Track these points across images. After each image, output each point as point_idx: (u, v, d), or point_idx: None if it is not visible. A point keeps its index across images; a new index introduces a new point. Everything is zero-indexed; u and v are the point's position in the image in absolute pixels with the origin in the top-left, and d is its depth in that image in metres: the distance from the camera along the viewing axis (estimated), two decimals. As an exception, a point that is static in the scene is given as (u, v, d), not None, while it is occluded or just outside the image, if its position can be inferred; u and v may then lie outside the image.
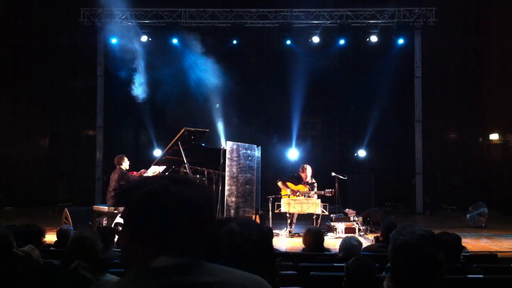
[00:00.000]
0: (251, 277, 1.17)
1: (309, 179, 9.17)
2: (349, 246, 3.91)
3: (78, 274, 2.69)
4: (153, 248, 1.13)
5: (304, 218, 9.24)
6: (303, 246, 4.91)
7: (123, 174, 8.09)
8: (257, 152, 9.36)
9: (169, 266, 1.11)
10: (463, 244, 3.94)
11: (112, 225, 7.85)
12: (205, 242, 1.18)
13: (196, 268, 1.13)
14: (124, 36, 14.14)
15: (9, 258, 2.06)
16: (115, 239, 4.69)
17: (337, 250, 4.26)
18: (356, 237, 4.28)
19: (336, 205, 9.41)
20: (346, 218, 9.02)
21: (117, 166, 8.26)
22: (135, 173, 8.82)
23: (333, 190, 9.04)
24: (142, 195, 1.16)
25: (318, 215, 8.70)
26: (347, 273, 2.71)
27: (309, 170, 9.15)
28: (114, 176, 8.14)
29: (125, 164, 8.26)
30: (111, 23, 14.09)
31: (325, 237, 7.59)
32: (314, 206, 8.49)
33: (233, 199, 8.76)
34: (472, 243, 7.57)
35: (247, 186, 8.90)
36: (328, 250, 5.06)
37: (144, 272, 1.12)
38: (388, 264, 1.80)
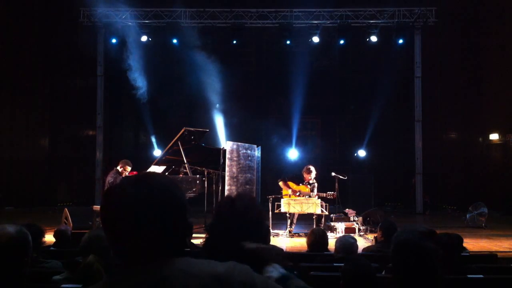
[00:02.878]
0: (218, 269, 1.11)
1: (311, 180, 9.16)
2: (348, 245, 3.89)
3: (93, 268, 2.71)
4: (129, 251, 1.12)
5: (304, 218, 9.23)
6: (303, 246, 4.89)
7: (115, 178, 8.09)
8: (257, 152, 9.36)
9: (133, 271, 1.09)
10: (463, 245, 3.93)
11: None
12: (178, 239, 1.14)
13: (161, 267, 1.09)
14: (124, 36, 14.14)
15: (21, 262, 2.05)
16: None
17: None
18: (351, 235, 4.27)
19: (336, 205, 9.41)
20: (346, 218, 9.02)
21: (115, 168, 8.31)
22: (135, 173, 8.83)
23: (334, 193, 9.02)
24: (103, 198, 1.18)
25: (319, 215, 8.69)
26: (343, 274, 2.69)
27: (314, 173, 9.15)
28: (108, 178, 8.30)
29: (125, 171, 8.28)
30: (111, 23, 14.10)
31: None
32: (314, 206, 8.48)
33: (233, 199, 8.74)
34: (472, 243, 7.56)
35: (247, 186, 8.90)
36: (328, 250, 5.05)
37: (113, 277, 1.12)
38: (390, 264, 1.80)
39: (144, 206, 1.11)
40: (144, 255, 1.11)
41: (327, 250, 4.44)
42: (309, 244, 4.54)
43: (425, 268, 1.65)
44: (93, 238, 2.95)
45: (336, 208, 9.44)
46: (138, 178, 1.17)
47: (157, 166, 8.94)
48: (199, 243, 6.08)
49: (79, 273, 2.74)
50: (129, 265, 1.11)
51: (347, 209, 9.49)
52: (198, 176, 8.54)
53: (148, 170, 8.79)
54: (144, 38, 14.38)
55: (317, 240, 4.46)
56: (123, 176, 8.20)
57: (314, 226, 8.32)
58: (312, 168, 9.20)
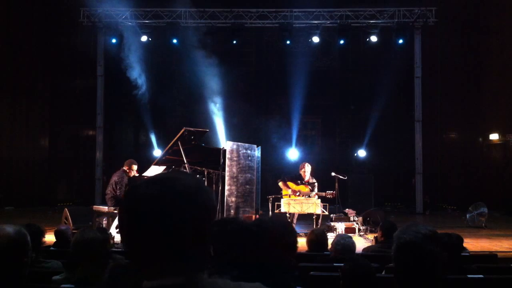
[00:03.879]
0: None
1: (308, 178, 9.16)
2: (349, 245, 3.89)
3: (87, 278, 2.71)
4: (138, 265, 1.02)
5: (304, 218, 9.24)
6: (303, 246, 4.89)
7: (122, 177, 8.12)
8: (257, 152, 9.36)
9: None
10: (463, 245, 3.93)
11: (113, 226, 7.86)
12: (198, 252, 1.02)
13: None
14: (124, 36, 14.14)
15: (20, 263, 2.04)
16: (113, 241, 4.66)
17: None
18: (348, 235, 4.27)
19: (336, 205, 9.41)
20: (346, 218, 9.02)
21: (122, 168, 8.30)
22: (135, 173, 8.83)
23: (334, 192, 9.02)
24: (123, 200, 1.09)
25: (318, 215, 8.70)
26: (343, 274, 2.69)
27: (308, 167, 9.14)
28: (113, 177, 8.22)
29: (132, 170, 8.29)
30: (111, 23, 14.10)
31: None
32: (314, 206, 8.49)
33: (233, 199, 8.76)
34: (472, 243, 7.56)
35: (247, 186, 8.90)
36: (328, 250, 5.05)
37: None
38: (391, 264, 1.80)
39: (158, 209, 0.99)
40: (158, 265, 0.99)
41: (326, 250, 4.44)
42: (308, 243, 4.56)
43: (426, 271, 1.65)
44: (79, 244, 2.91)
45: (336, 208, 9.44)
46: (159, 178, 1.05)
47: (157, 166, 8.94)
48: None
49: (77, 281, 2.75)
50: (147, 277, 1.01)
51: (347, 209, 9.49)
52: (198, 176, 8.53)
53: (148, 170, 8.81)
54: (144, 38, 14.38)
55: (317, 239, 4.47)
56: (130, 176, 8.21)
57: (314, 226, 8.33)
58: (306, 163, 9.20)
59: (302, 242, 7.02)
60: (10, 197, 13.56)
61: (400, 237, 1.72)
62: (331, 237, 8.30)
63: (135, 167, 8.35)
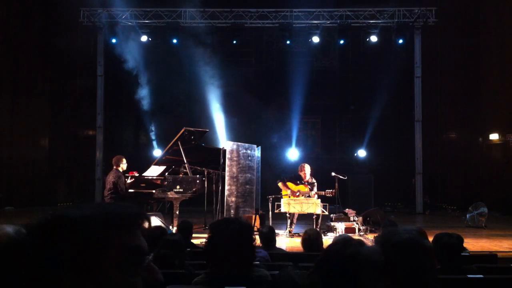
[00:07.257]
0: None
1: (308, 178, 9.15)
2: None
3: None
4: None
5: (304, 218, 9.23)
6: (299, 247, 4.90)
7: (119, 176, 8.10)
8: (257, 152, 9.36)
9: None
10: (463, 245, 3.93)
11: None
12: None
13: None
14: (124, 36, 14.15)
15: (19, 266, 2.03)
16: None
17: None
18: (349, 235, 4.26)
19: (336, 205, 9.40)
20: (346, 218, 9.01)
21: (114, 167, 8.25)
22: (135, 173, 8.83)
23: (333, 190, 9.02)
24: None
25: (318, 215, 8.69)
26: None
27: (307, 168, 9.12)
28: (109, 178, 8.15)
29: (123, 166, 8.25)
30: (111, 23, 14.11)
31: (325, 237, 7.60)
32: (314, 206, 8.48)
33: (233, 199, 8.76)
34: (472, 243, 7.56)
35: (247, 186, 8.90)
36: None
37: None
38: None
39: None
40: None
41: (321, 250, 4.45)
42: (302, 243, 4.58)
43: (426, 269, 1.65)
44: None
45: (336, 208, 9.44)
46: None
47: (157, 166, 8.95)
48: (199, 243, 6.08)
49: None
50: None
51: (347, 209, 9.48)
52: (198, 176, 8.54)
53: (148, 170, 8.81)
54: (144, 38, 14.39)
55: (310, 239, 4.49)
56: (122, 170, 8.20)
57: (314, 226, 8.33)
58: (305, 164, 9.18)
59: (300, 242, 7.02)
60: (10, 197, 13.56)
61: (392, 239, 1.71)
62: (331, 237, 8.33)
63: (124, 160, 8.30)
